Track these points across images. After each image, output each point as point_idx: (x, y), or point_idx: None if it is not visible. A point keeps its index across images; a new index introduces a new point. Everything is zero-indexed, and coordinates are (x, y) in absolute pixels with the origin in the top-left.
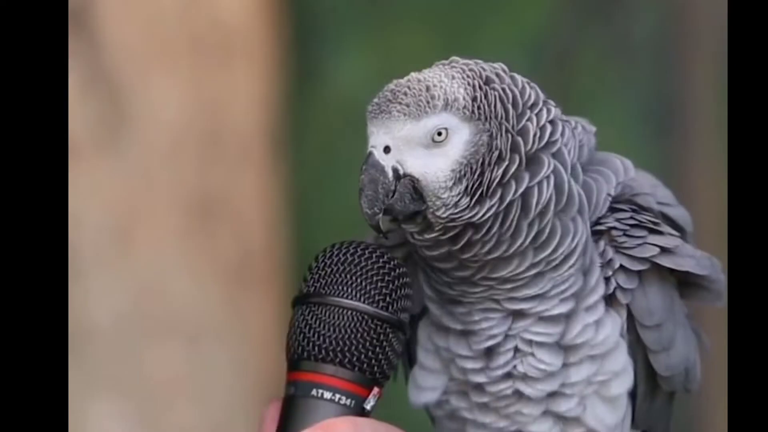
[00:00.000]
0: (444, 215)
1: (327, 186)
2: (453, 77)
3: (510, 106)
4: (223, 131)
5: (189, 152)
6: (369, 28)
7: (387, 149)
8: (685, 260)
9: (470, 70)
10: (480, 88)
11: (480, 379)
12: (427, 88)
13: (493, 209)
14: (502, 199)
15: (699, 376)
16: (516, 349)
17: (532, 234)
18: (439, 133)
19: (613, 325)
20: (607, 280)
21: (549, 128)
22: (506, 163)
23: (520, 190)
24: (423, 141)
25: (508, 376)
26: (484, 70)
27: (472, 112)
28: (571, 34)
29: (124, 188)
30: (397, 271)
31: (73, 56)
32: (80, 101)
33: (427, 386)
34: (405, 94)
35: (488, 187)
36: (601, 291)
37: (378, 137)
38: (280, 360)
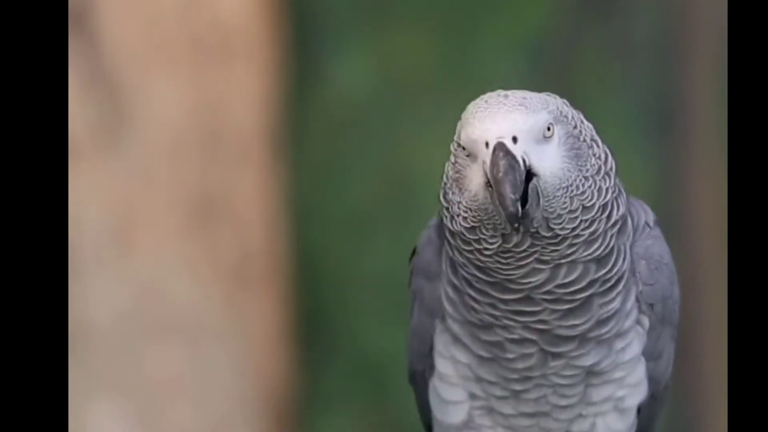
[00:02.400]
0: (562, 227)
1: (327, 186)
2: (540, 95)
3: (587, 121)
4: (223, 131)
5: (189, 152)
6: (369, 28)
7: (515, 139)
8: None
9: (551, 95)
10: (567, 105)
11: (506, 409)
12: (528, 97)
13: (599, 214)
14: (604, 208)
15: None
16: (549, 384)
17: (607, 245)
18: (548, 128)
19: (639, 343)
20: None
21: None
22: (602, 164)
23: (618, 204)
24: (538, 136)
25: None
26: (563, 100)
27: (564, 115)
28: (571, 34)
29: (124, 188)
30: None
31: (73, 56)
32: (80, 101)
33: (451, 400)
34: (510, 95)
35: (599, 192)
36: (634, 314)
37: (503, 129)
38: (280, 360)
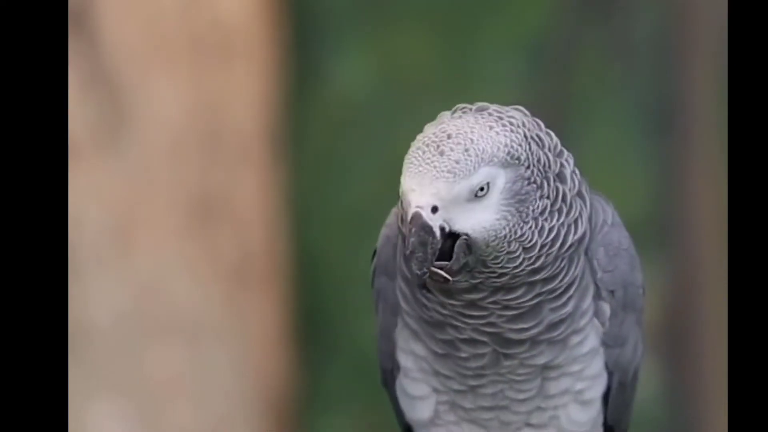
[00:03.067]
0: (501, 267)
1: (327, 186)
2: (491, 128)
3: (549, 153)
4: (223, 131)
5: (189, 152)
6: (369, 28)
7: (434, 209)
8: None
9: (507, 117)
10: (523, 136)
11: (466, 403)
12: (469, 142)
13: (545, 250)
14: (553, 242)
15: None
16: (504, 380)
17: (557, 266)
18: (482, 189)
19: (596, 335)
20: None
21: (577, 172)
22: (551, 204)
23: (565, 232)
24: (468, 197)
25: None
26: (520, 117)
27: (512, 157)
28: (571, 34)
29: (124, 188)
30: None
31: (73, 56)
32: (80, 101)
33: (416, 395)
34: (446, 151)
35: (540, 232)
36: (591, 311)
37: (424, 197)
38: (280, 360)
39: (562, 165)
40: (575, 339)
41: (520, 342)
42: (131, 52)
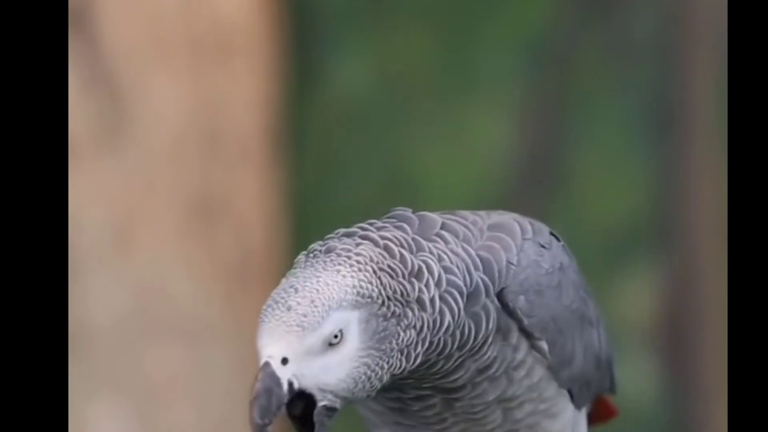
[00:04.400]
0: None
1: (327, 186)
2: (338, 271)
3: (404, 280)
4: (223, 131)
5: (189, 152)
6: (369, 28)
7: (285, 361)
8: None
9: (354, 255)
10: (372, 272)
11: None
12: (314, 292)
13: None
14: (424, 362)
15: (608, 351)
16: (464, 420)
17: (456, 342)
18: (336, 336)
19: (541, 366)
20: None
21: (436, 284)
22: (416, 333)
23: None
24: (321, 348)
25: None
26: (365, 251)
27: (363, 296)
28: (571, 34)
29: (124, 188)
30: None
31: (73, 56)
32: (80, 101)
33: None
34: (293, 306)
35: (407, 358)
36: (524, 345)
37: (275, 348)
38: None
39: (420, 290)
40: (520, 373)
41: (460, 387)
42: (131, 52)
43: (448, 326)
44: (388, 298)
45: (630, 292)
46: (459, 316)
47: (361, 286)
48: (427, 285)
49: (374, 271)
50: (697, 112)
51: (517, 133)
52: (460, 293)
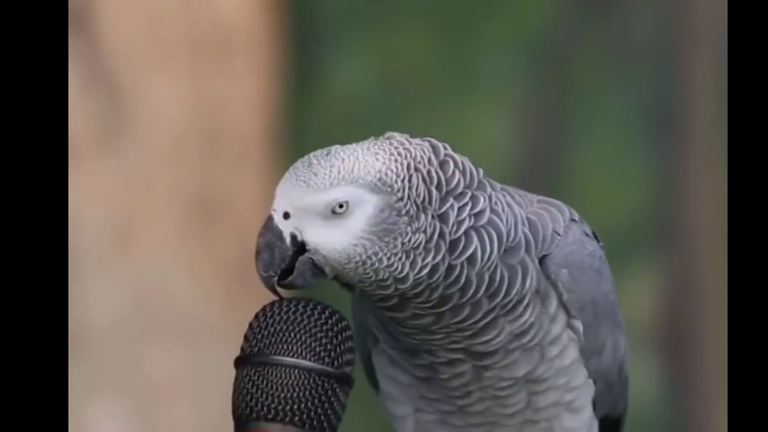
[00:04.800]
0: (374, 292)
1: None
2: (376, 153)
3: (436, 190)
4: (223, 131)
5: (189, 152)
6: (369, 29)
7: (287, 215)
8: None
9: (401, 147)
10: (406, 167)
11: (456, 421)
12: (339, 160)
13: (421, 279)
14: (431, 276)
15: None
16: (490, 397)
17: (484, 283)
18: (340, 206)
19: (575, 347)
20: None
21: (475, 217)
22: (426, 240)
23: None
24: (322, 212)
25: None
26: (415, 149)
27: (385, 184)
28: (571, 34)
29: (124, 188)
30: (340, 325)
31: (73, 56)
32: (80, 101)
33: (397, 414)
34: (314, 164)
35: (412, 266)
36: (562, 319)
37: (279, 202)
38: None
39: (451, 207)
40: (554, 350)
41: (492, 353)
42: (131, 52)
43: (473, 259)
44: (408, 198)
45: (630, 292)
46: (490, 259)
47: (386, 174)
48: (461, 209)
49: (409, 167)
50: (697, 112)
51: (517, 133)
52: (499, 238)
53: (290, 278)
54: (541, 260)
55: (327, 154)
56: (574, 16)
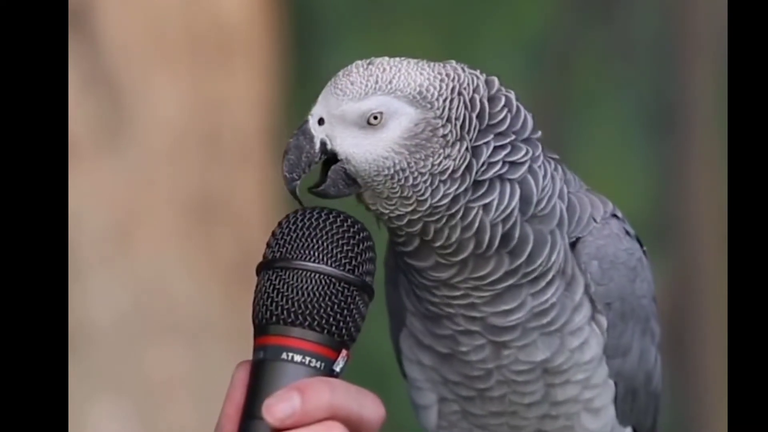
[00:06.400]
0: (395, 209)
1: None
2: (421, 68)
3: (474, 117)
4: (223, 131)
5: (189, 152)
6: (369, 29)
7: (321, 121)
8: None
9: (451, 70)
10: (450, 89)
11: (476, 410)
12: (380, 70)
13: (442, 202)
14: (449, 208)
15: (660, 386)
16: (507, 381)
17: (498, 234)
18: (375, 117)
19: (597, 343)
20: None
21: (508, 164)
22: (453, 167)
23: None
24: (357, 121)
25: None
26: (465, 76)
27: (424, 99)
28: (571, 34)
29: (124, 188)
30: (361, 234)
31: (73, 56)
32: (80, 101)
33: (421, 404)
34: (353, 73)
35: (434, 193)
36: (586, 311)
37: (317, 108)
38: None
39: (487, 143)
40: (574, 341)
41: (511, 328)
42: (131, 52)
43: (489, 207)
44: (448, 119)
45: None
46: (505, 213)
47: (427, 89)
48: (497, 150)
49: (453, 90)
50: (697, 112)
51: None
52: (526, 199)
53: (323, 186)
54: (573, 244)
55: (369, 64)
56: (574, 16)
